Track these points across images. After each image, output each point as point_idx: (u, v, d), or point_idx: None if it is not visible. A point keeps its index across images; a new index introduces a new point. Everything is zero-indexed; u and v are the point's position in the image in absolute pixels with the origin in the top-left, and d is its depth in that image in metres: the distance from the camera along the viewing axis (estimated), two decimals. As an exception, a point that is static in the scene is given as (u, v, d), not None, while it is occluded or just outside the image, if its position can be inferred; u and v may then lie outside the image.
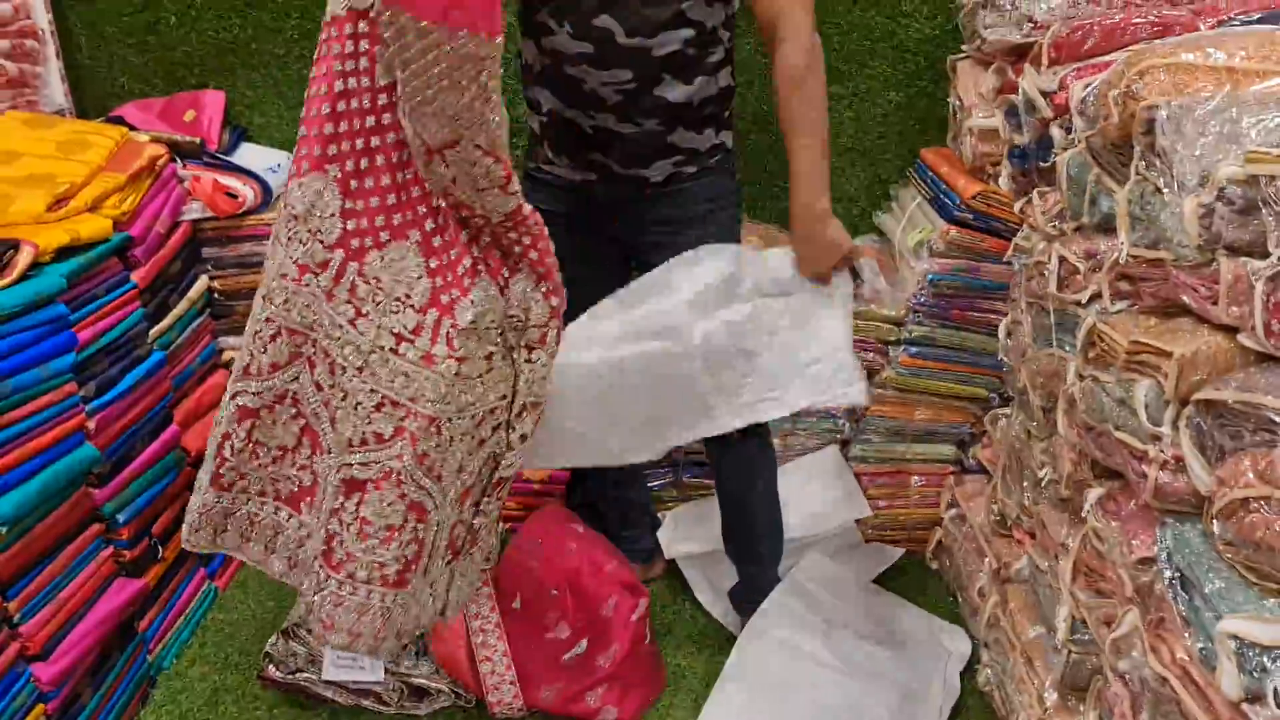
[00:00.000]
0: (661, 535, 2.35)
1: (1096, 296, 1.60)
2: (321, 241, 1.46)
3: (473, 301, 1.46)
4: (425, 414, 1.47)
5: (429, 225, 1.46)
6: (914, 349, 2.30)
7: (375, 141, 1.43)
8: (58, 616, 1.77)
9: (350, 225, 1.45)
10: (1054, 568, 1.74)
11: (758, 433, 2.01)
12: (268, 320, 1.52)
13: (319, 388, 1.54)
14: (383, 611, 1.53)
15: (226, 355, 2.37)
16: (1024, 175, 2.05)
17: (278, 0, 2.55)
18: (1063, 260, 1.71)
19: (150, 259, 2.07)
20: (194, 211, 2.25)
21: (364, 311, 1.47)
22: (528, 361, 1.56)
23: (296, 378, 1.55)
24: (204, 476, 1.61)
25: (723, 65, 1.83)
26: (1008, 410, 2.19)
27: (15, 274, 1.69)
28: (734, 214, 1.98)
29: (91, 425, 1.85)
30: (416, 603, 1.60)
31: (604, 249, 1.97)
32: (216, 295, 2.33)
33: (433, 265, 1.46)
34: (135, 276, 2.02)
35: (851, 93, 2.52)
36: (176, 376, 2.13)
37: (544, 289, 1.52)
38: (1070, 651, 1.65)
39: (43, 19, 2.44)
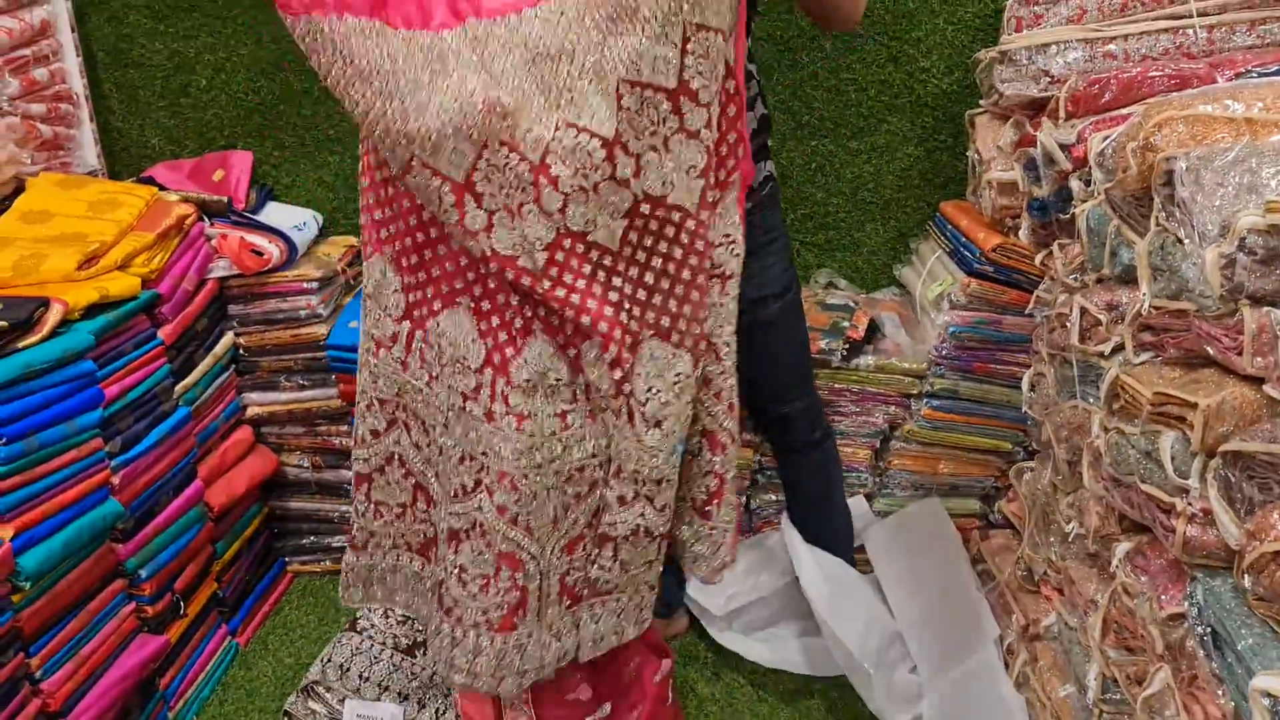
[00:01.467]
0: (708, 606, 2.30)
1: (1119, 348, 1.59)
2: (390, 316, 1.54)
3: (525, 361, 1.46)
4: (496, 469, 1.49)
5: (477, 290, 1.47)
6: (936, 402, 2.29)
7: (415, 220, 1.46)
8: (79, 673, 1.77)
9: (411, 298, 1.51)
10: (1083, 624, 1.70)
11: (829, 434, 2.14)
12: (362, 393, 1.61)
13: (418, 447, 1.60)
14: (495, 654, 1.56)
15: (251, 411, 2.39)
16: (1044, 227, 2.05)
17: (304, 64, 2.60)
18: (1084, 312, 1.71)
19: (177, 316, 2.10)
20: (221, 269, 2.28)
21: (434, 374, 1.53)
22: (617, 428, 1.50)
23: (398, 440, 1.61)
24: (348, 540, 1.70)
25: (759, 96, 1.84)
26: (1033, 463, 2.17)
27: (45, 331, 1.71)
28: (787, 242, 1.97)
29: (116, 481, 1.86)
30: (535, 644, 1.59)
31: None
32: (241, 351, 2.35)
33: (483, 328, 1.47)
34: (162, 333, 2.05)
35: (871, 147, 2.54)
36: (201, 432, 2.15)
37: (607, 358, 1.44)
38: (1101, 711, 1.61)
39: (78, 83, 2.51)
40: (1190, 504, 1.30)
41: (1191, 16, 1.94)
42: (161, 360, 2.04)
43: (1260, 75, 1.73)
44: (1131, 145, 1.46)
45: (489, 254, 1.37)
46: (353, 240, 2.55)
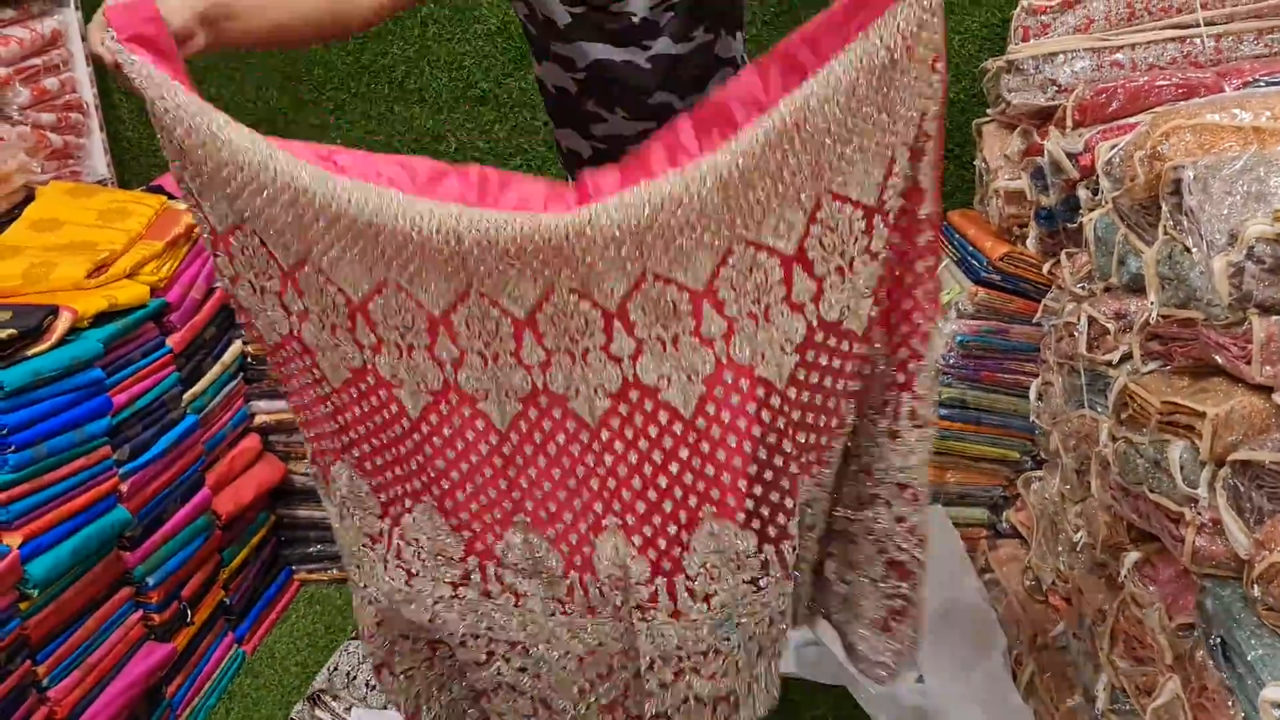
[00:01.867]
0: None
1: (1127, 357, 1.58)
2: (373, 514, 1.47)
3: (510, 545, 1.40)
4: (505, 639, 1.46)
5: (444, 484, 1.39)
6: (944, 411, 2.28)
7: (378, 421, 1.38)
8: (86, 681, 1.77)
9: (383, 497, 1.45)
10: (1092, 635, 1.70)
11: None
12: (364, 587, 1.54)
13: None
14: None
15: (259, 419, 2.39)
16: (1051, 236, 2.05)
17: (314, 74, 2.61)
18: (1092, 321, 1.70)
19: (185, 324, 2.10)
20: (229, 278, 2.28)
21: (414, 571, 1.45)
22: (643, 620, 1.41)
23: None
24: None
25: None
26: (1041, 473, 2.16)
27: (54, 339, 1.72)
28: None
29: (124, 488, 1.86)
30: None
31: None
32: (249, 359, 2.36)
33: (454, 522, 1.41)
34: (170, 341, 2.05)
35: (877, 157, 2.54)
36: (209, 440, 2.15)
37: (634, 545, 1.36)
38: (1111, 722, 1.60)
39: (88, 93, 2.53)
40: (1199, 513, 1.29)
41: (1199, 26, 1.94)
42: (170, 368, 2.04)
43: (1268, 84, 1.72)
44: (1139, 154, 1.46)
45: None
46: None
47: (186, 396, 2.10)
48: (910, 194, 1.20)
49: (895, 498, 1.42)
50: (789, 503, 1.34)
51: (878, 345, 1.32)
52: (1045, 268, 2.09)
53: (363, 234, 1.17)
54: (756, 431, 1.27)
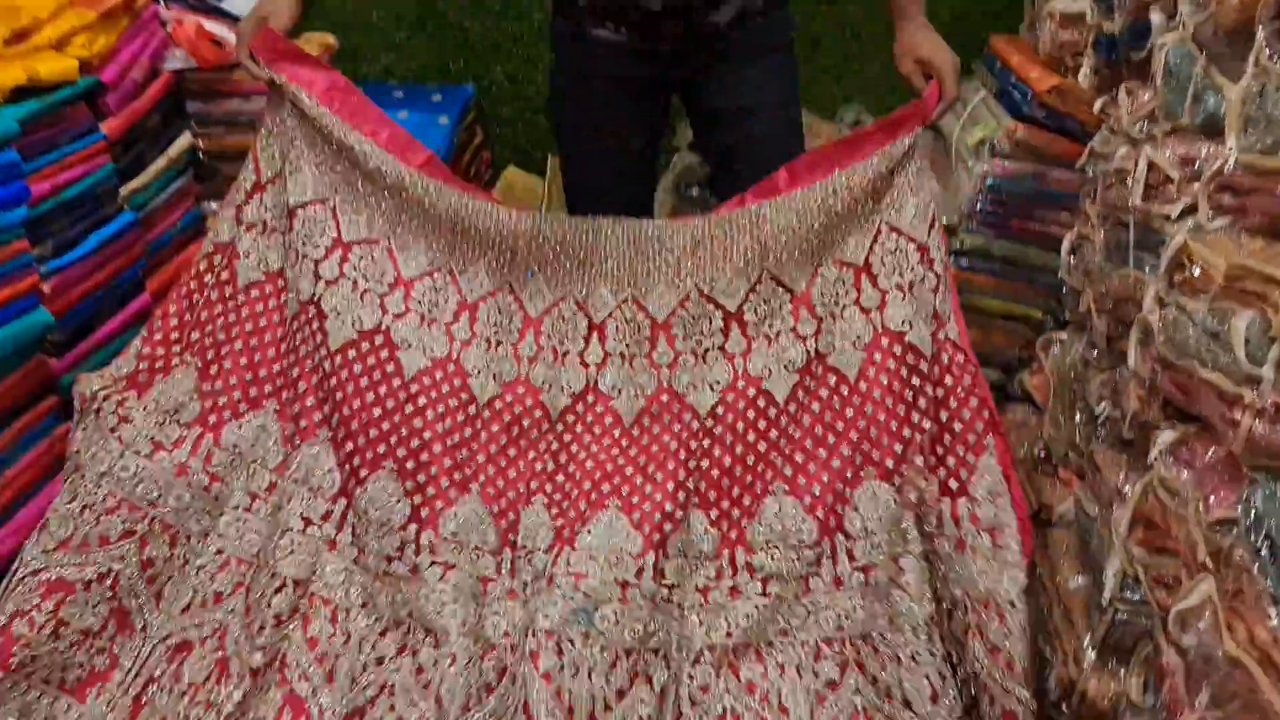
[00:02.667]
0: None
1: (1190, 211, 1.39)
2: (322, 495, 1.64)
3: (455, 514, 1.61)
4: (423, 627, 1.55)
5: (401, 452, 1.61)
6: (965, 261, 2.08)
7: (353, 393, 1.63)
8: (3, 497, 1.63)
9: (345, 471, 1.63)
10: (1106, 516, 1.55)
11: None
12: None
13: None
14: None
15: (212, 222, 2.18)
16: (1110, 68, 1.81)
17: None
18: (1152, 166, 1.50)
19: (124, 109, 1.90)
20: (177, 61, 2.04)
21: (362, 547, 1.60)
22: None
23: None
24: None
25: None
26: (1064, 335, 1.98)
27: (-44, 113, 1.50)
28: (792, 64, 1.87)
29: (47, 288, 1.69)
30: None
31: (644, 105, 1.86)
32: (201, 155, 2.14)
33: (409, 486, 1.61)
34: (105, 127, 1.85)
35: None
36: (152, 241, 1.96)
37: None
38: (1117, 610, 1.47)
39: None
40: (1261, 397, 1.11)
41: None
42: (104, 157, 1.84)
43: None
44: (1236, -35, 1.22)
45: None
46: (330, 39, 2.28)
47: (124, 191, 1.91)
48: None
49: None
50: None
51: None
52: (1097, 105, 1.86)
53: (443, 226, 1.63)
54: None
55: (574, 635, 1.51)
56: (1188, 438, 1.36)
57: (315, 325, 1.62)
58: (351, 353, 1.61)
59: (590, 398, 1.65)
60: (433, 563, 1.57)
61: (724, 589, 1.58)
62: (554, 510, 1.63)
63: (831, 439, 1.63)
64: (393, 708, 1.47)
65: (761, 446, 1.64)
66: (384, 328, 1.62)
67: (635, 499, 1.62)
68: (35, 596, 1.47)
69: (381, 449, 1.60)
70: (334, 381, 1.62)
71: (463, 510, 1.60)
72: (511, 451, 1.65)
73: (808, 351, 1.62)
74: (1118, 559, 1.46)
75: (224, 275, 1.70)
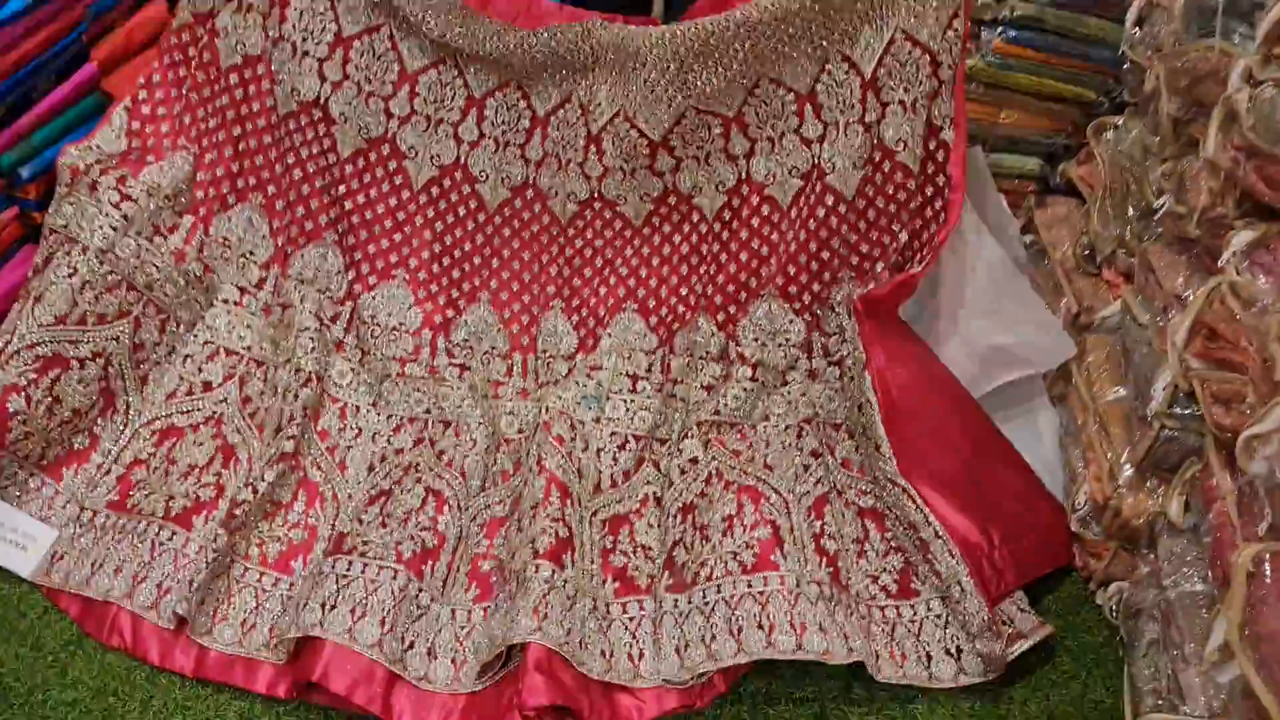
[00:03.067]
0: None
1: (1298, -32, 1.16)
2: (331, 298, 1.72)
3: (465, 322, 1.75)
4: (439, 419, 1.66)
5: (413, 263, 1.74)
6: (1014, 32, 1.83)
7: (362, 200, 1.73)
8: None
9: (351, 275, 1.73)
10: (1159, 323, 1.40)
11: None
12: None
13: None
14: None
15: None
16: None
17: None
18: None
19: None
20: None
21: (367, 349, 1.70)
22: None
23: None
24: None
25: None
26: (1119, 119, 1.77)
27: None
28: None
29: (-28, 55, 1.48)
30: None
31: None
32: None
33: (420, 295, 1.74)
34: None
35: None
36: (95, 4, 1.72)
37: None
38: (1164, 425, 1.34)
39: None
40: (1374, 193, 0.94)
41: None
42: (31, -101, 1.57)
43: None
44: None
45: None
46: None
47: (59, -58, 1.64)
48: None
49: None
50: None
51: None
52: None
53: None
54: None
55: (584, 417, 1.62)
56: (1269, 239, 1.19)
57: (322, 130, 1.66)
58: (361, 161, 1.69)
59: (598, 205, 1.69)
60: (449, 364, 1.70)
61: (721, 381, 1.67)
62: (574, 318, 1.72)
63: (821, 250, 1.63)
64: (419, 480, 1.56)
65: (764, 250, 1.67)
66: (389, 134, 1.67)
67: (651, 302, 1.71)
68: (32, 372, 1.45)
69: (393, 258, 1.72)
70: (343, 189, 1.70)
71: (472, 318, 1.73)
72: (526, 255, 1.74)
73: (812, 158, 1.61)
74: (1170, 371, 1.32)
75: (206, 55, 1.69)
